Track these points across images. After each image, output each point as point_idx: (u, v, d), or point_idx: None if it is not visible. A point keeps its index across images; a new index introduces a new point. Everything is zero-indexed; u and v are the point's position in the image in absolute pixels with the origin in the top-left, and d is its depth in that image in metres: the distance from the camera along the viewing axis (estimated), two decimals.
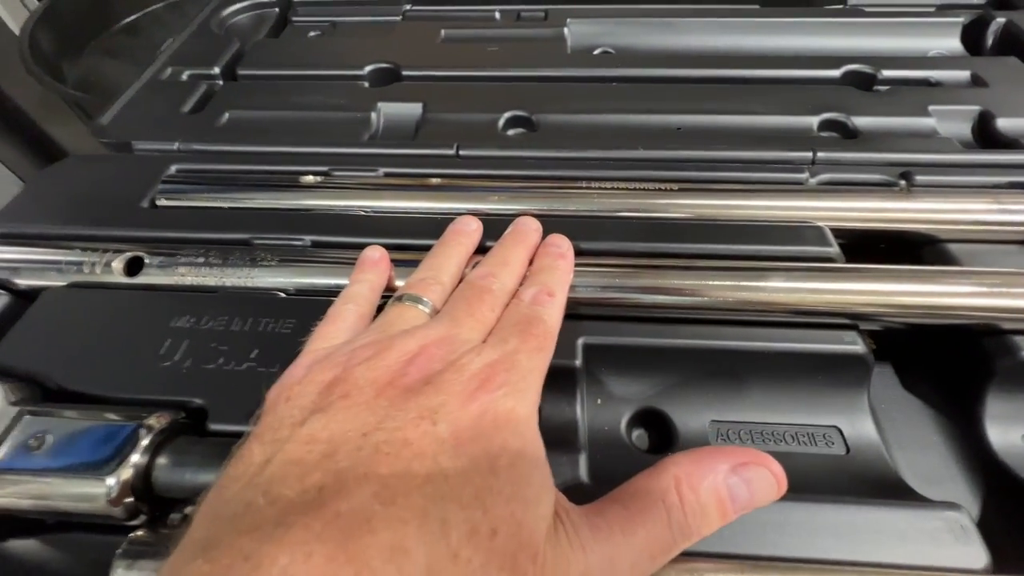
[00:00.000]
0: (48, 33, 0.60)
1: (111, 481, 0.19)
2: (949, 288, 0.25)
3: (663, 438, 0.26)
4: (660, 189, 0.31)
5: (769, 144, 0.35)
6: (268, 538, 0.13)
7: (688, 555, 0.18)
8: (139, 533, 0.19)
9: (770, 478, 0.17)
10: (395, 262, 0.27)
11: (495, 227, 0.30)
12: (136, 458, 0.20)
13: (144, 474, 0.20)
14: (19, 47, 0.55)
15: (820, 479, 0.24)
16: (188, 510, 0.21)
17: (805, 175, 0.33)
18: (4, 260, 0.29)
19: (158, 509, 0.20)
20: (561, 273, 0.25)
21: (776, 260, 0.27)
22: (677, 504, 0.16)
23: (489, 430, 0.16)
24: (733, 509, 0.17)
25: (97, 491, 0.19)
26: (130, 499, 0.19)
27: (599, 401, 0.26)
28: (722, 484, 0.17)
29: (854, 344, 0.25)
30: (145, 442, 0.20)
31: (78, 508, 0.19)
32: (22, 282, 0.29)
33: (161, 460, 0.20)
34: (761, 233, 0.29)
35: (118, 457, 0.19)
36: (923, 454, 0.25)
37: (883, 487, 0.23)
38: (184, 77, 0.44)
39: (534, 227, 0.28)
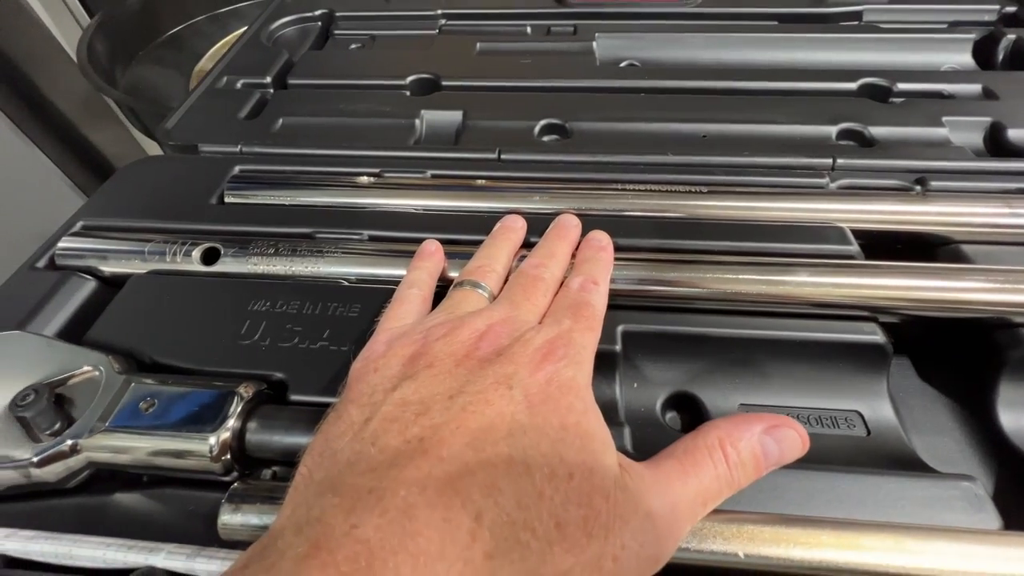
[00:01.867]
0: (103, 43, 0.64)
1: (212, 440, 0.22)
2: (963, 284, 0.28)
3: (695, 420, 0.28)
4: (689, 191, 0.34)
5: (790, 151, 0.37)
6: (385, 476, 0.15)
7: (724, 511, 0.20)
8: (238, 484, 0.21)
9: (796, 438, 0.20)
10: (447, 255, 0.30)
11: (537, 225, 0.32)
12: (232, 421, 0.22)
13: (238, 435, 0.22)
14: (77, 56, 0.59)
15: (842, 457, 0.26)
16: (276, 469, 0.23)
17: (826, 180, 0.35)
18: (92, 249, 0.32)
19: (247, 467, 0.23)
20: (603, 264, 0.27)
21: (800, 257, 0.30)
22: (722, 459, 0.19)
23: (556, 394, 0.19)
24: (767, 464, 0.19)
25: (201, 448, 0.21)
26: (227, 456, 0.22)
27: (635, 385, 0.29)
28: (757, 442, 0.19)
29: (873, 334, 0.27)
30: (239, 408, 0.22)
31: (181, 464, 0.22)
32: (108, 269, 0.32)
33: (252, 424, 0.23)
34: (786, 233, 0.31)
35: (217, 419, 0.22)
36: (939, 437, 0.27)
37: (902, 465, 0.25)
38: (239, 86, 0.47)
39: (574, 223, 0.30)
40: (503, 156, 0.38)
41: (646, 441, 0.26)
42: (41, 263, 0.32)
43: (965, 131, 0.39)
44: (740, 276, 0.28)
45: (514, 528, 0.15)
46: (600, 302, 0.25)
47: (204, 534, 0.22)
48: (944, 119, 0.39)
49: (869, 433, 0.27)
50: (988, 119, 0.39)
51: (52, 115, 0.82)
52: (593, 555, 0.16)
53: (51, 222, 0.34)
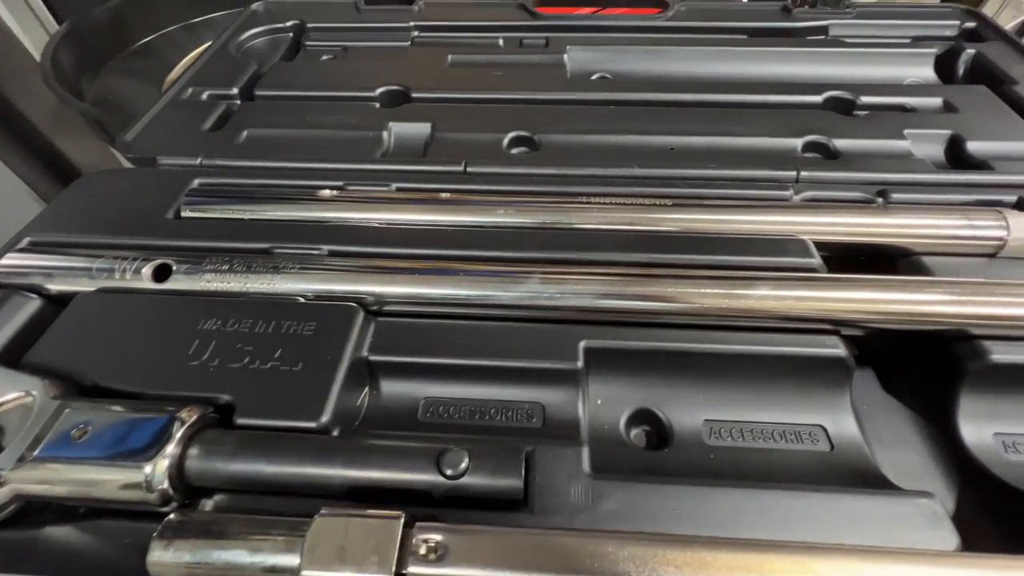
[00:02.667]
0: (69, 53, 0.62)
1: (148, 469, 0.21)
2: (923, 296, 0.28)
3: (660, 437, 0.28)
4: (655, 204, 0.33)
5: (756, 163, 0.37)
6: None
7: (678, 536, 0.20)
8: (173, 516, 0.20)
9: None
10: (404, 270, 0.29)
11: (503, 239, 0.32)
12: (171, 448, 0.21)
13: (177, 463, 0.21)
14: (41, 65, 0.58)
15: (805, 473, 0.25)
16: (218, 498, 0.22)
17: (790, 192, 0.35)
18: (37, 267, 0.30)
19: (188, 497, 0.22)
20: None
21: (763, 271, 0.29)
22: None
23: None
24: None
25: (136, 478, 0.20)
26: (164, 486, 0.21)
27: (599, 401, 0.28)
28: None
29: (836, 348, 0.27)
30: (179, 434, 0.21)
31: (116, 495, 0.21)
32: (54, 287, 0.30)
33: (193, 451, 0.22)
34: (749, 245, 0.31)
35: (154, 447, 0.21)
36: (902, 450, 0.27)
37: (864, 480, 0.25)
38: (204, 97, 0.46)
39: None
40: (469, 169, 0.37)
41: (608, 458, 0.25)
42: None
43: (926, 143, 0.40)
44: (703, 290, 0.28)
45: None
46: None
47: (141, 569, 0.21)
48: (906, 131, 0.40)
49: (832, 448, 0.27)
50: (948, 132, 0.40)
51: (17, 124, 0.80)
52: None
53: (9, 235, 0.32)
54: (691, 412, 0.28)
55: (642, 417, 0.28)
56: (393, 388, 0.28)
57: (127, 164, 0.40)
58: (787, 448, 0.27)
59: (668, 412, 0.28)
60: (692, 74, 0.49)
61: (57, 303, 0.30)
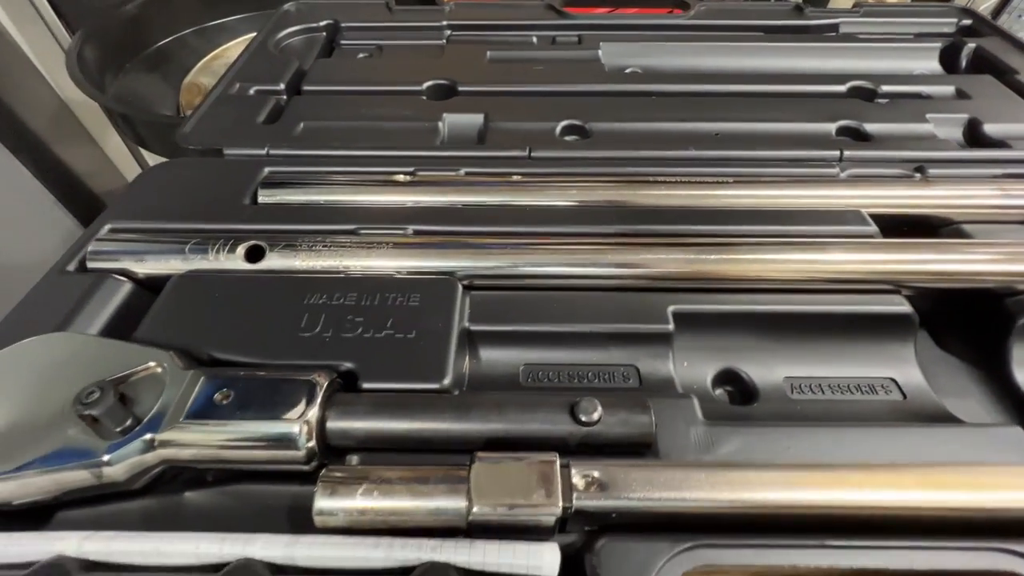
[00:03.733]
0: (92, 53, 0.62)
1: (296, 428, 0.21)
2: (976, 256, 0.30)
3: (744, 393, 0.29)
4: (717, 182, 0.35)
5: (799, 145, 0.40)
6: None
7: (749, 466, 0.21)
8: (331, 468, 0.21)
9: None
10: (493, 245, 0.31)
11: (578, 215, 0.34)
12: (314, 408, 0.22)
13: (320, 423, 0.22)
14: (67, 64, 0.57)
15: (884, 420, 0.28)
16: (357, 457, 0.23)
17: (836, 170, 0.38)
18: (126, 251, 0.31)
19: (328, 457, 0.23)
20: None
21: (827, 238, 0.32)
22: None
23: None
24: None
25: (290, 433, 0.21)
26: (312, 444, 0.21)
27: (685, 363, 0.30)
28: None
29: (901, 305, 0.30)
30: (320, 394, 0.22)
31: (263, 455, 0.21)
32: (144, 271, 0.31)
33: (331, 412, 0.22)
34: (810, 217, 0.33)
35: (297, 407, 0.22)
36: (964, 399, 0.29)
37: (941, 422, 0.27)
38: (252, 92, 0.47)
39: None
40: (533, 154, 0.39)
41: (706, 412, 0.27)
42: (71, 267, 0.31)
43: (947, 127, 0.43)
44: (777, 256, 0.30)
45: None
46: None
47: (287, 527, 0.21)
48: (928, 115, 0.43)
49: (905, 397, 0.29)
50: (965, 116, 0.43)
51: (22, 132, 0.78)
52: None
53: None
54: (772, 370, 0.30)
55: (726, 376, 0.30)
56: (493, 355, 0.29)
57: (129, 170, 0.41)
58: (864, 399, 0.29)
59: (750, 371, 0.30)
60: (720, 68, 0.52)
61: (146, 287, 0.31)
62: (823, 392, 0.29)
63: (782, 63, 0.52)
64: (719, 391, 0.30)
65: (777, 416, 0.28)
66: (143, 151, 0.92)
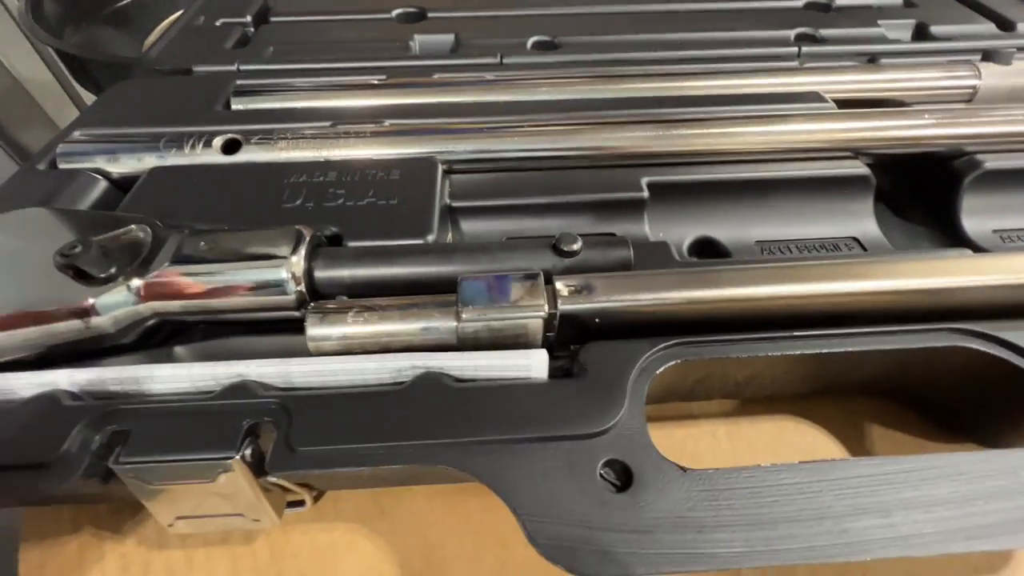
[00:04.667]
0: (50, 5, 0.60)
1: (285, 270, 0.22)
2: (923, 121, 0.32)
3: (719, 257, 0.31)
4: (684, 73, 0.37)
5: (762, 46, 0.41)
6: None
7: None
8: (319, 303, 0.21)
9: None
10: (470, 130, 0.31)
11: (552, 105, 0.34)
12: (302, 252, 0.22)
13: (307, 272, 0.22)
14: (20, 16, 0.56)
15: None
16: (343, 299, 0.23)
17: (796, 63, 0.39)
18: (99, 148, 0.30)
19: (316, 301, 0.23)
20: None
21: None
22: None
23: None
24: None
25: (277, 275, 0.21)
26: (301, 287, 0.22)
27: (661, 234, 0.31)
28: None
29: (858, 168, 0.31)
30: (305, 242, 0.23)
31: (253, 300, 0.22)
32: (115, 169, 0.30)
33: (318, 261, 0.23)
34: (772, 98, 0.35)
35: (286, 251, 0.22)
36: (920, 255, 0.31)
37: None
38: (218, 23, 0.46)
39: None
40: (504, 60, 0.39)
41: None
42: (41, 165, 0.30)
43: (897, 31, 0.45)
44: (742, 129, 0.32)
45: None
46: None
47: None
48: (879, 22, 0.45)
49: (865, 251, 0.31)
50: (913, 21, 0.46)
51: None
52: None
53: None
54: (743, 233, 0.31)
55: (701, 244, 0.31)
56: (475, 227, 0.29)
57: None
58: (829, 255, 0.30)
59: (723, 236, 0.31)
60: None
61: (119, 187, 0.30)
62: (791, 251, 0.31)
63: None
64: (694, 258, 0.31)
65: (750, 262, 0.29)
66: None
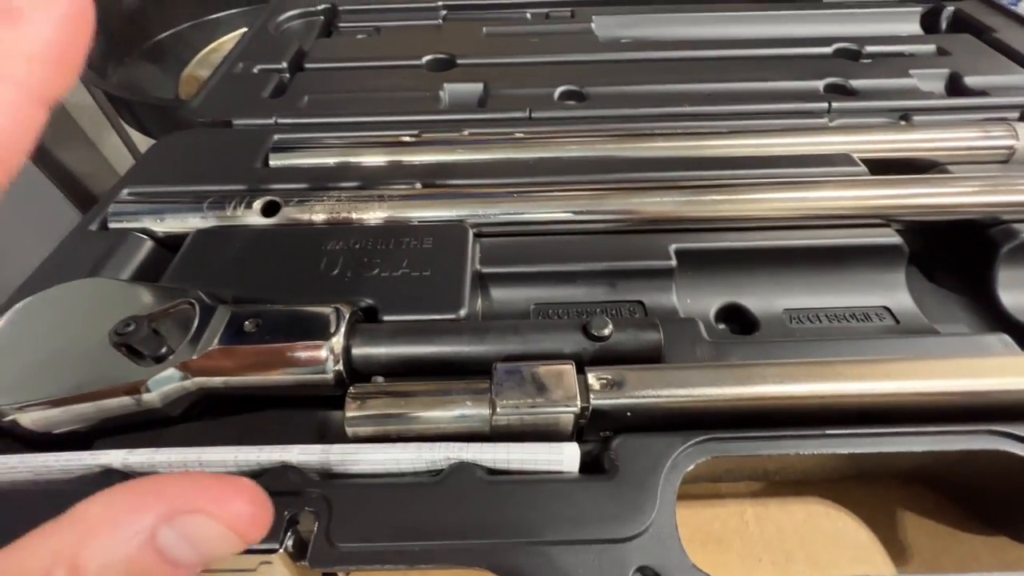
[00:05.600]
0: (95, 43, 0.63)
1: (324, 352, 0.22)
2: (961, 188, 0.32)
3: (745, 326, 0.31)
4: (712, 132, 0.37)
5: (791, 100, 0.41)
6: None
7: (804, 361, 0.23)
8: (358, 385, 0.22)
9: (220, 529, 0.13)
10: (500, 195, 0.32)
11: (581, 166, 0.35)
12: (340, 334, 0.23)
13: (345, 349, 0.23)
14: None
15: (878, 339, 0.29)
16: (380, 379, 0.24)
17: (825, 120, 0.39)
18: (146, 209, 0.32)
19: (354, 380, 0.24)
20: None
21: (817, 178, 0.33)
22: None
23: None
24: (173, 569, 0.12)
25: (318, 356, 0.22)
26: (339, 367, 0.23)
27: (688, 300, 0.31)
28: (138, 546, 0.12)
29: (890, 236, 0.31)
30: (344, 322, 0.23)
31: (294, 378, 0.23)
32: (163, 229, 0.32)
33: (356, 339, 0.24)
34: (802, 161, 0.35)
35: (326, 332, 0.23)
36: (955, 325, 0.31)
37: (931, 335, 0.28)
38: (256, 70, 0.48)
39: None
40: (533, 114, 0.40)
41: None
42: (93, 226, 0.32)
43: (929, 81, 0.45)
44: (772, 195, 0.32)
45: None
46: None
47: (319, 442, 0.22)
48: (911, 71, 0.45)
49: (898, 322, 0.30)
50: (947, 70, 0.45)
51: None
52: None
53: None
54: (772, 302, 0.31)
55: (728, 311, 0.31)
56: (504, 295, 0.30)
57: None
58: (859, 326, 0.30)
59: (751, 304, 0.31)
60: (710, 36, 0.53)
61: (166, 246, 0.32)
62: (820, 321, 0.31)
63: (770, 29, 0.54)
64: (722, 325, 0.31)
65: (775, 341, 0.29)
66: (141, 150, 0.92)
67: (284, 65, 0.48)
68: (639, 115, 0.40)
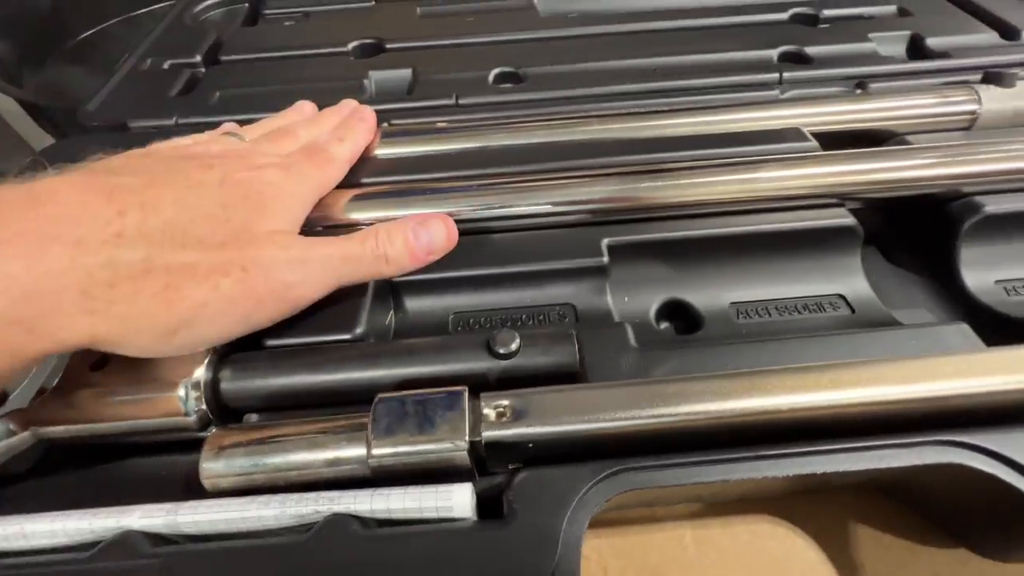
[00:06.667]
0: (6, 45, 0.58)
1: (181, 392, 0.19)
2: (916, 161, 0.29)
3: (689, 324, 0.28)
4: (652, 112, 0.34)
5: (739, 72, 0.38)
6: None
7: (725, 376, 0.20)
8: (218, 429, 0.19)
9: (440, 226, 0.25)
10: (411, 192, 0.29)
11: (506, 156, 0.32)
12: (202, 369, 0.20)
13: (212, 384, 0.20)
14: None
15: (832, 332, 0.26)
16: (255, 417, 0.21)
17: (776, 92, 0.36)
18: None
19: (225, 420, 0.21)
20: (356, 129, 0.31)
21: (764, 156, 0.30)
22: (373, 238, 0.23)
23: (255, 183, 0.23)
24: (417, 244, 0.24)
25: (171, 402, 0.19)
26: (202, 407, 0.20)
27: (626, 298, 0.28)
28: (408, 230, 0.24)
29: (844, 217, 0.28)
30: (207, 356, 0.20)
31: (148, 424, 0.20)
32: None
33: (225, 372, 0.20)
34: (748, 138, 0.32)
35: (183, 371, 0.20)
36: (914, 310, 0.28)
37: (887, 327, 0.26)
38: (166, 66, 0.44)
39: (353, 105, 0.34)
40: (460, 101, 0.37)
41: (646, 341, 0.25)
42: None
43: (889, 44, 0.42)
44: (713, 178, 0.29)
45: (154, 233, 0.19)
46: (339, 153, 0.29)
47: (185, 498, 0.19)
48: (870, 35, 0.42)
49: (853, 311, 0.28)
50: (908, 32, 0.42)
51: None
52: (222, 260, 0.19)
53: None
54: (717, 296, 0.28)
55: (670, 308, 0.28)
56: (419, 305, 0.27)
57: None
58: (812, 317, 0.28)
59: (694, 299, 0.28)
60: (661, 5, 0.50)
61: None
62: (770, 314, 0.28)
63: None
64: (664, 324, 0.28)
65: (721, 342, 0.26)
66: None
67: (197, 59, 0.44)
68: (577, 96, 0.37)
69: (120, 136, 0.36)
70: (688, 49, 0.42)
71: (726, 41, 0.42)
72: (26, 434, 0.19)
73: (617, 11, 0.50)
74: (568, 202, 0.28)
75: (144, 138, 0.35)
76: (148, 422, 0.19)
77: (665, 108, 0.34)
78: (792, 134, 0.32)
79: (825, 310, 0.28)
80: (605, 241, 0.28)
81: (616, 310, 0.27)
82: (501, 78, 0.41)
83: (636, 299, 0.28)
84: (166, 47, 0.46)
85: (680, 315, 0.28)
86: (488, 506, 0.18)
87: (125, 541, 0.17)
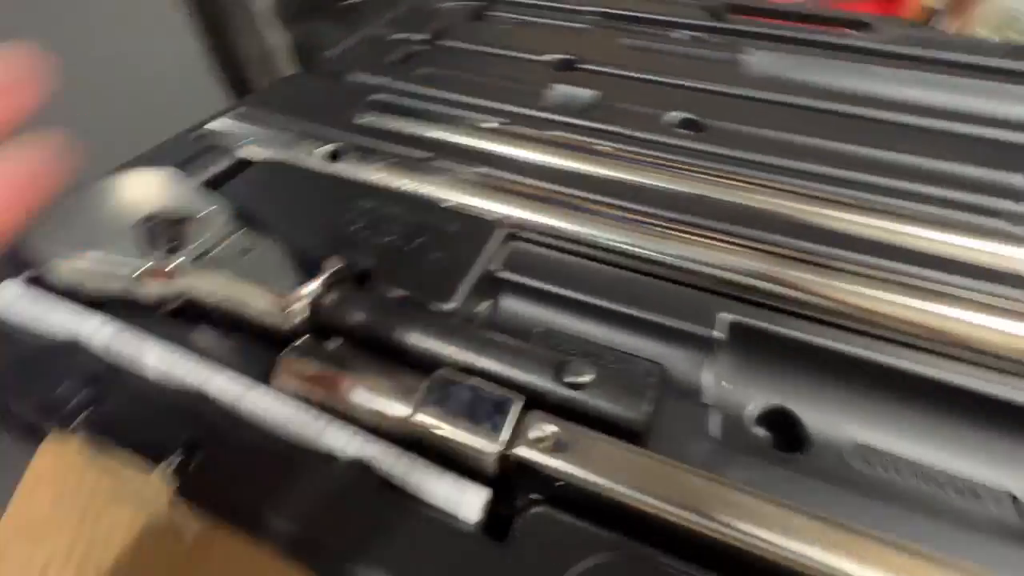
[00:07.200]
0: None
1: (291, 297, 0.22)
2: None
3: (793, 441, 0.24)
4: (841, 202, 0.30)
5: (968, 189, 0.32)
6: None
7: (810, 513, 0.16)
8: (308, 338, 0.21)
9: None
10: (547, 200, 0.29)
11: (651, 196, 0.30)
12: (314, 284, 0.22)
13: (315, 300, 0.22)
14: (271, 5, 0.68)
15: (982, 535, 0.20)
16: (339, 343, 0.23)
17: (1003, 223, 0.29)
18: (235, 129, 0.35)
19: (319, 334, 0.23)
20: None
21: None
22: None
23: None
24: None
25: (276, 301, 0.22)
26: (305, 315, 0.22)
27: (725, 383, 0.25)
28: None
29: None
30: (323, 275, 0.23)
31: (259, 316, 0.22)
32: (240, 153, 0.34)
33: (332, 295, 0.23)
34: (955, 267, 0.26)
35: (299, 280, 0.22)
36: None
37: None
38: (393, 37, 0.50)
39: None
40: (633, 133, 0.36)
41: (732, 438, 0.22)
42: (193, 136, 0.35)
43: None
44: (889, 296, 0.24)
45: None
46: None
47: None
48: None
49: (1022, 519, 0.21)
50: None
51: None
52: None
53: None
54: (838, 426, 0.24)
55: (774, 416, 0.24)
56: (513, 307, 0.27)
57: None
58: (958, 503, 0.22)
59: (808, 418, 0.24)
60: (892, 96, 0.44)
61: (243, 167, 0.34)
62: (899, 474, 0.22)
63: (974, 104, 0.43)
64: (760, 431, 0.25)
65: (824, 477, 0.22)
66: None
67: (418, 38, 0.50)
68: (754, 160, 0.34)
69: (336, 83, 0.42)
70: (907, 148, 0.36)
71: (960, 150, 0.36)
72: (181, 283, 0.23)
73: (836, 89, 0.45)
74: (694, 260, 0.26)
75: (356, 87, 0.41)
76: (259, 315, 0.22)
77: (853, 202, 0.30)
78: (1019, 281, 0.26)
79: (982, 502, 0.22)
80: (722, 315, 0.25)
81: (709, 392, 0.24)
82: (682, 123, 0.40)
83: (739, 390, 0.25)
84: (403, 22, 0.53)
85: (782, 428, 0.24)
86: (494, 522, 0.17)
87: (198, 400, 0.19)
